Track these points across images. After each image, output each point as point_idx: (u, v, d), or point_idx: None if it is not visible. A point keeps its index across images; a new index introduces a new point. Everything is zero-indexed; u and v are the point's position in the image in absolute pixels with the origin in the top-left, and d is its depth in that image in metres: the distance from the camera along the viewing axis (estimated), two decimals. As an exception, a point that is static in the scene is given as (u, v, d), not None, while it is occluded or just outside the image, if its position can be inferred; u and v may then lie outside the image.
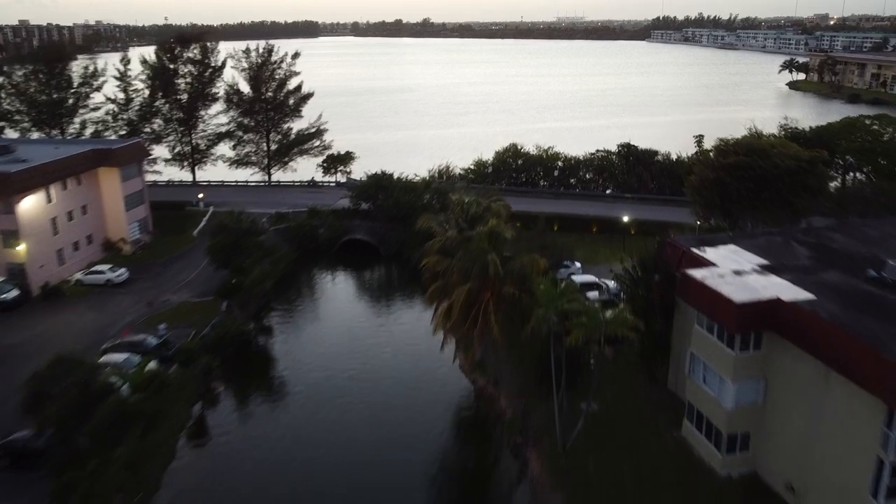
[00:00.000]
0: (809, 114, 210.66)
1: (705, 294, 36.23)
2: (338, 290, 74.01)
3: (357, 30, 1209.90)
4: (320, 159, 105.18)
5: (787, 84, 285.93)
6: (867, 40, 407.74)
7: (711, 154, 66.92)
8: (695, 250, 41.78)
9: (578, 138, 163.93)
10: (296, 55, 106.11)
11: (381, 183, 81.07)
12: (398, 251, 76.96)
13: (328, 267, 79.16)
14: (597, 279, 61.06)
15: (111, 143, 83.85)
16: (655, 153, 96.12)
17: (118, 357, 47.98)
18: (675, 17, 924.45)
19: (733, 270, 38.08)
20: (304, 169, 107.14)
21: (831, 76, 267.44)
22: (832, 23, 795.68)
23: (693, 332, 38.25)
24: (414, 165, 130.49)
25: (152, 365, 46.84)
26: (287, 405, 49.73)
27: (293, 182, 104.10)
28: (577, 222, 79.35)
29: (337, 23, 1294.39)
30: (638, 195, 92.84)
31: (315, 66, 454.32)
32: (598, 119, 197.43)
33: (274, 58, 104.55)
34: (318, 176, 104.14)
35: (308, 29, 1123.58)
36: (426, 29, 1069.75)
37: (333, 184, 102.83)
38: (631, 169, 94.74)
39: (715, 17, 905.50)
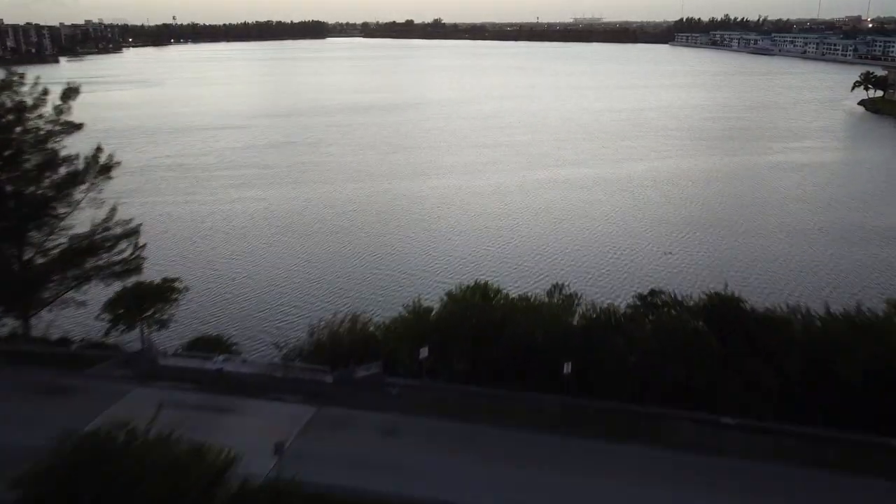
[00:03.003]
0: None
1: None
2: None
3: (367, 30, 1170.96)
4: (114, 290, 54.43)
5: (858, 103, 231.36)
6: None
7: None
8: None
9: (611, 202, 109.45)
10: (69, 93, 54.98)
11: (92, 461, 30.08)
12: None
13: None
14: None
15: None
16: (784, 324, 44.51)
17: None
18: (699, 19, 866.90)
19: None
20: (96, 301, 56.39)
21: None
22: (870, 25, 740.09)
23: None
24: (317, 286, 77.64)
25: None
26: None
27: (61, 338, 54.08)
28: None
29: (346, 23, 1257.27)
30: (750, 422, 41.30)
31: (302, 74, 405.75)
32: (634, 161, 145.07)
33: (23, 97, 53.53)
34: (99, 331, 53.25)
35: (316, 29, 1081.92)
36: (437, 30, 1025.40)
37: (129, 348, 52.38)
38: (731, 353, 43.15)
39: (743, 18, 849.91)
